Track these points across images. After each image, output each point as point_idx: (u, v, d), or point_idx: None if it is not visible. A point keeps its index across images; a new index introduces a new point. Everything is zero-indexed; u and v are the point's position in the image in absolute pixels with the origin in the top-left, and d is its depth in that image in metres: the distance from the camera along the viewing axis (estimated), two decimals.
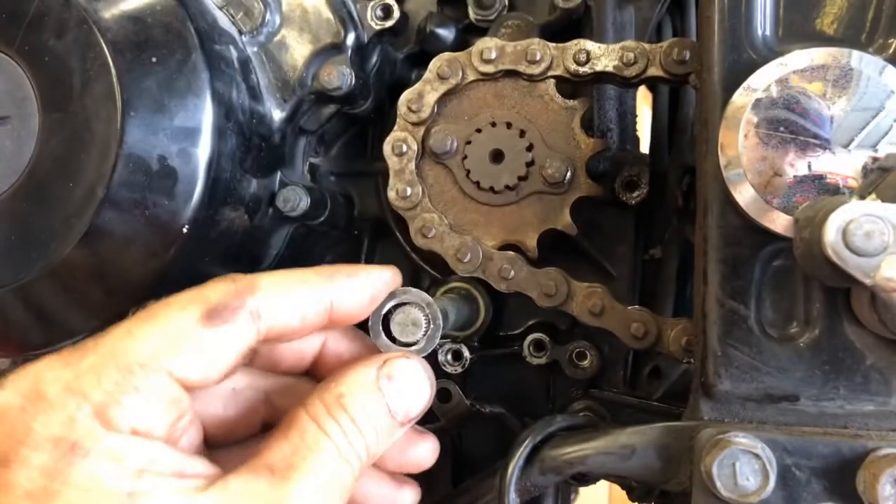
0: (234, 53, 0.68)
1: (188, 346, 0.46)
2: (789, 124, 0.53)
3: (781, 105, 0.53)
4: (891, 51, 0.54)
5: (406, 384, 0.53)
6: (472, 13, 0.81)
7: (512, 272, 0.69)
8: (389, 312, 0.57)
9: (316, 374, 0.59)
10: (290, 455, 0.47)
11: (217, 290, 0.48)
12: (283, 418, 0.50)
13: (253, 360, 0.57)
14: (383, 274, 0.56)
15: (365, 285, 0.54)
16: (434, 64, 0.70)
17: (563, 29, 0.79)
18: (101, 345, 0.46)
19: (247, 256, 0.72)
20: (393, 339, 0.56)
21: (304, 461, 0.47)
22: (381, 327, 0.55)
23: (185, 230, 0.61)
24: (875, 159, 0.52)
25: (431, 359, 0.79)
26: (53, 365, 0.45)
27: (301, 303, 0.51)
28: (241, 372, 0.56)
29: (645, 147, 0.84)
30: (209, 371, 0.47)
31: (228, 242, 0.67)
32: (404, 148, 0.70)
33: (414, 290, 0.57)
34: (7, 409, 0.44)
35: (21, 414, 0.43)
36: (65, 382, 0.44)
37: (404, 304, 0.57)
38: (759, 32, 0.56)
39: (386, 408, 0.52)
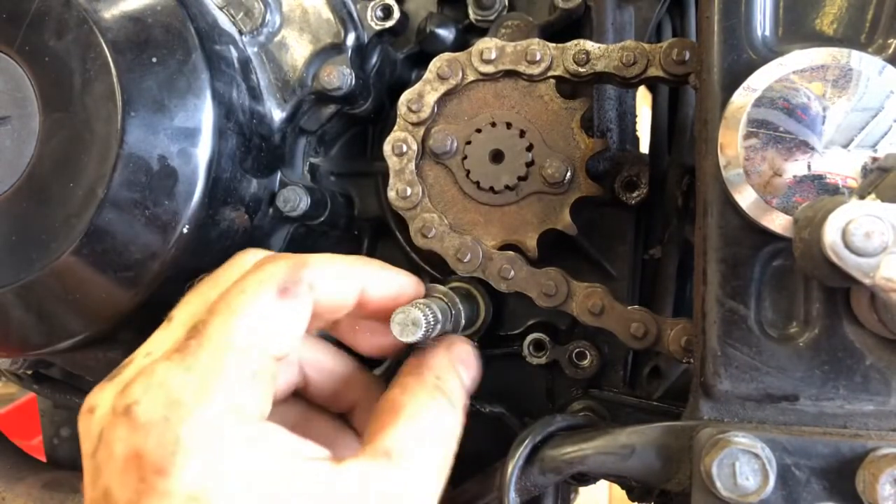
0: (234, 53, 0.68)
1: (276, 323, 0.50)
2: (789, 124, 0.53)
3: (781, 105, 0.53)
4: (890, 51, 0.54)
5: (470, 361, 0.61)
6: (472, 13, 0.81)
7: (512, 272, 0.69)
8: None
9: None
10: (403, 439, 0.51)
11: (279, 266, 0.52)
12: (383, 404, 0.54)
13: None
14: (412, 278, 0.61)
15: (394, 281, 0.59)
16: (434, 64, 0.70)
17: (563, 29, 0.79)
18: (207, 341, 0.48)
19: None
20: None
21: (419, 446, 0.51)
22: (399, 328, 0.57)
23: (185, 230, 0.61)
24: (875, 159, 0.52)
25: None
26: (174, 370, 0.47)
27: (342, 280, 0.55)
28: None
29: (645, 147, 0.84)
30: (291, 344, 0.51)
31: (228, 242, 0.67)
32: (404, 148, 0.70)
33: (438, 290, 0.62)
34: (152, 422, 0.46)
35: (166, 424, 0.45)
36: (194, 386, 0.46)
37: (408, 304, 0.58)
38: (759, 32, 0.56)
39: (461, 384, 0.58)
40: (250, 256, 0.59)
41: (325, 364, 0.62)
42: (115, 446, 0.46)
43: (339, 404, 0.64)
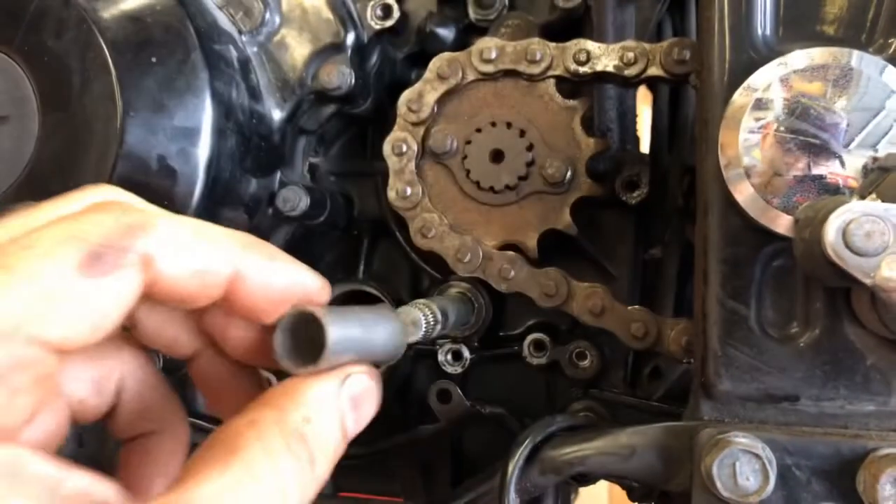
0: (233, 53, 0.68)
1: (65, 305, 0.34)
2: (790, 124, 0.53)
3: (782, 105, 0.53)
4: (891, 51, 0.54)
5: (365, 405, 0.42)
6: (472, 13, 0.81)
7: (512, 272, 0.69)
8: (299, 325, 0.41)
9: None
10: (224, 496, 0.34)
11: (101, 224, 0.36)
12: (220, 435, 0.37)
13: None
14: (313, 275, 0.43)
15: (284, 273, 0.42)
16: (434, 64, 0.70)
17: (564, 29, 0.79)
18: None
19: None
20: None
21: None
22: (286, 340, 0.41)
23: None
24: (875, 159, 0.52)
25: (431, 359, 0.79)
26: None
27: (204, 257, 0.38)
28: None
29: (645, 147, 0.84)
30: (88, 335, 0.35)
31: None
32: (404, 148, 0.70)
33: (317, 308, 0.41)
34: None
35: None
36: None
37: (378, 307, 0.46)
38: (760, 32, 0.55)
39: (342, 431, 0.40)
40: (100, 194, 0.41)
41: (141, 383, 0.44)
42: None
43: (130, 431, 0.44)
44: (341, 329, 0.39)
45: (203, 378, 0.45)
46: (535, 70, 0.68)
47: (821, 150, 0.52)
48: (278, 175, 0.73)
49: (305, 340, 0.40)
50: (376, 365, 0.44)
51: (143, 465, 0.44)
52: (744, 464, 0.50)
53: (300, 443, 0.37)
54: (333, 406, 0.40)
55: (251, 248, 0.40)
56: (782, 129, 0.53)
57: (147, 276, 0.36)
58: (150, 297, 0.38)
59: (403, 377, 0.82)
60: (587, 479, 0.67)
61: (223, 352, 0.44)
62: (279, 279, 0.41)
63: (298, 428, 0.37)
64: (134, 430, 0.44)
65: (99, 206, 0.38)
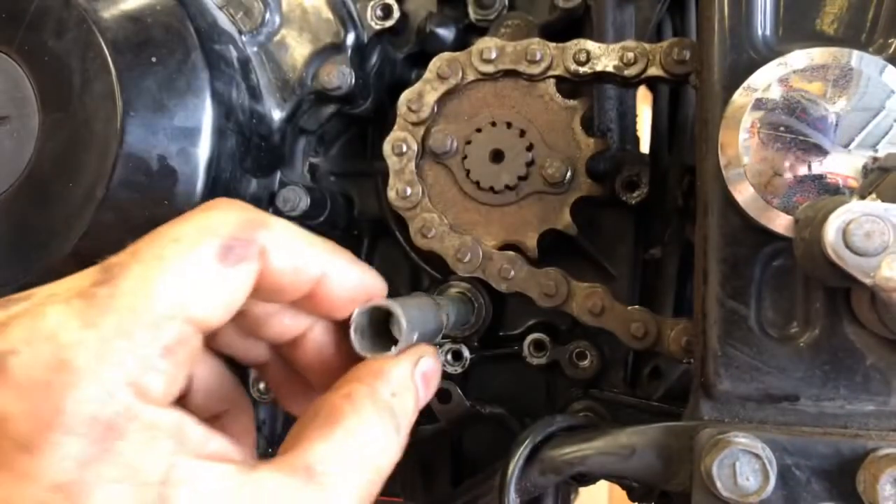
0: (234, 53, 0.68)
1: (208, 289, 0.39)
2: (790, 124, 0.53)
3: (781, 105, 0.53)
4: (891, 51, 0.54)
5: (432, 381, 0.50)
6: (472, 13, 0.81)
7: (512, 272, 0.69)
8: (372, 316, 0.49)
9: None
10: (333, 458, 0.41)
11: (230, 216, 0.41)
12: (319, 407, 0.44)
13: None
14: (380, 280, 0.50)
15: (362, 276, 0.48)
16: (434, 64, 0.70)
17: (563, 29, 0.79)
18: (118, 297, 0.37)
19: None
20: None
21: (350, 470, 0.41)
22: (361, 331, 0.48)
23: None
24: (875, 159, 0.52)
25: None
26: (70, 322, 0.36)
27: (304, 256, 0.44)
28: None
29: (645, 147, 0.84)
30: (222, 319, 0.41)
31: None
32: (404, 148, 0.70)
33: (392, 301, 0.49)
34: (31, 383, 0.35)
35: (47, 389, 0.35)
36: (92, 349, 0.36)
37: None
38: (759, 32, 0.56)
39: (416, 404, 0.48)
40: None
41: (209, 368, 0.49)
42: None
43: (205, 412, 0.49)
44: (408, 317, 0.47)
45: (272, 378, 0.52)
46: (535, 70, 0.68)
47: (820, 150, 0.52)
48: (278, 175, 0.74)
49: (372, 330, 0.47)
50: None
51: None
52: (744, 464, 0.50)
53: (390, 414, 0.44)
54: (411, 383, 0.47)
55: (335, 252, 0.46)
56: (782, 128, 0.53)
57: (261, 266, 0.42)
58: (261, 287, 0.43)
59: None
60: (587, 479, 0.67)
61: (288, 356, 0.50)
62: (355, 280, 0.47)
63: (388, 402, 0.44)
64: (208, 410, 0.48)
65: (218, 203, 0.43)
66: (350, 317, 0.47)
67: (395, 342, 0.47)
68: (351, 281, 0.46)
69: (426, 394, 0.49)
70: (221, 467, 0.38)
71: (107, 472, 0.35)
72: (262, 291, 0.43)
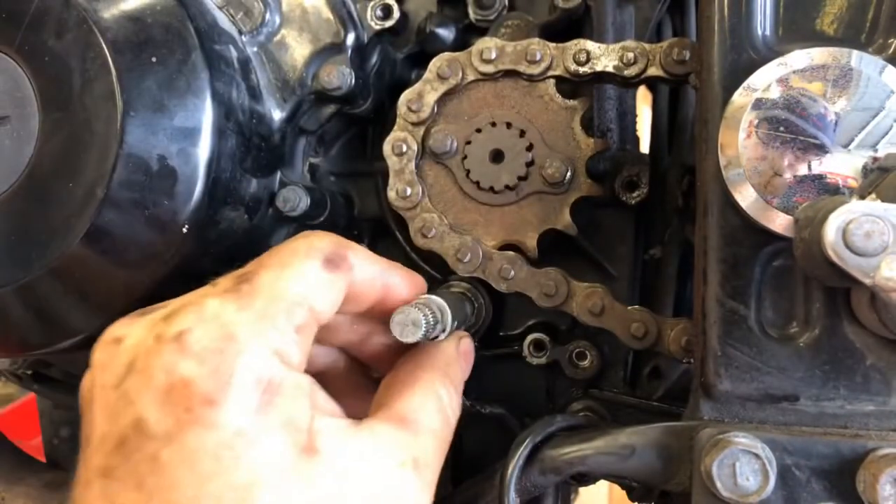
0: (234, 53, 0.68)
1: (321, 289, 0.51)
2: (789, 124, 0.53)
3: (781, 105, 0.53)
4: (891, 51, 0.54)
5: (469, 357, 0.63)
6: (472, 13, 0.81)
7: (512, 272, 0.69)
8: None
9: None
10: (419, 409, 0.53)
11: (325, 241, 0.53)
12: (395, 373, 0.58)
13: None
14: (422, 280, 0.62)
15: (418, 286, 0.61)
16: (434, 64, 0.70)
17: (563, 29, 0.79)
18: (259, 287, 0.49)
19: (247, 256, 0.72)
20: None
21: (431, 420, 0.54)
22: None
23: (184, 230, 0.61)
24: (875, 159, 0.52)
25: None
26: (228, 307, 0.47)
27: (376, 271, 0.57)
28: None
29: (645, 147, 0.84)
30: (331, 310, 0.52)
31: (228, 242, 0.67)
32: (404, 148, 0.70)
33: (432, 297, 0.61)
34: (208, 351, 0.45)
35: (221, 355, 0.45)
36: (249, 325, 0.46)
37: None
38: (759, 32, 0.56)
39: (462, 378, 0.61)
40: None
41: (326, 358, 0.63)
42: (156, 374, 0.44)
43: None
44: (429, 313, 0.57)
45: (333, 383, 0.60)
46: (535, 70, 0.68)
47: (820, 149, 0.52)
48: (278, 175, 0.73)
49: (413, 325, 0.57)
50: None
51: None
52: (744, 464, 0.50)
53: (449, 379, 0.58)
54: (458, 357, 0.61)
55: (393, 266, 0.59)
56: (782, 128, 0.53)
57: (350, 278, 0.54)
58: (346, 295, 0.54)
59: None
60: (587, 478, 0.67)
61: (357, 354, 0.62)
62: (409, 287, 0.59)
63: (445, 370, 0.58)
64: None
65: (315, 231, 0.55)
66: None
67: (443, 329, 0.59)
68: (406, 288, 0.59)
69: (466, 367, 0.62)
70: (341, 420, 0.50)
71: (272, 419, 0.45)
72: (347, 300, 0.54)
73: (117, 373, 0.46)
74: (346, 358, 0.63)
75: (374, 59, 0.79)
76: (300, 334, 0.49)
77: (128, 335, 0.48)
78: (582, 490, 1.09)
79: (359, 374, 0.64)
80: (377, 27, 0.77)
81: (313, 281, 0.51)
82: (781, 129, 0.53)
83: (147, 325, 0.48)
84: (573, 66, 0.67)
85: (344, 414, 0.51)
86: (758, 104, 0.53)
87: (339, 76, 0.72)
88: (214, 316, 0.46)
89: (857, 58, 0.53)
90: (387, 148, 0.70)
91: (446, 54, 0.70)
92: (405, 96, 0.70)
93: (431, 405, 0.54)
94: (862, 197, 0.47)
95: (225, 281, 0.50)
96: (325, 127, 0.78)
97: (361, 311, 0.59)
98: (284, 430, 0.45)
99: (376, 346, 0.62)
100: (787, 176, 0.53)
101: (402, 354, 0.61)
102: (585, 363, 0.76)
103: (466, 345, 0.63)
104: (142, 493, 0.43)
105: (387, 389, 0.56)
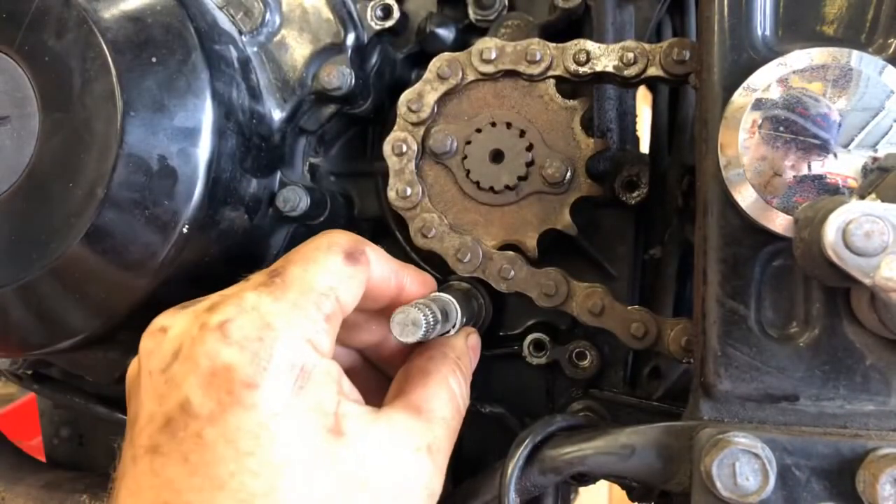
0: (234, 53, 0.68)
1: (345, 281, 0.55)
2: (789, 124, 0.53)
3: (781, 105, 0.53)
4: (891, 51, 0.54)
5: (477, 351, 0.67)
6: (472, 13, 0.81)
7: (512, 272, 0.69)
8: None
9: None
10: (432, 399, 0.57)
11: (344, 237, 0.57)
12: (408, 366, 0.61)
13: None
14: (432, 280, 0.66)
15: (429, 285, 0.64)
16: (434, 64, 0.70)
17: (563, 29, 0.79)
18: (291, 281, 0.53)
19: (247, 256, 0.72)
20: None
21: (444, 409, 0.57)
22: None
23: (184, 230, 0.61)
24: (875, 159, 0.52)
25: None
26: (265, 299, 0.51)
27: (391, 268, 0.60)
28: None
29: (645, 147, 0.84)
30: (353, 302, 0.56)
31: (228, 242, 0.67)
32: (404, 148, 0.70)
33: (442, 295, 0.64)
34: (248, 339, 0.49)
35: (260, 343, 0.49)
36: (284, 315, 0.50)
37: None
38: (759, 32, 0.56)
39: (471, 366, 0.65)
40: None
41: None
42: (201, 360, 0.48)
43: None
44: (429, 313, 0.59)
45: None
46: (535, 70, 0.68)
47: (820, 149, 0.53)
48: (278, 175, 0.73)
49: (412, 325, 0.58)
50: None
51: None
52: (743, 464, 0.50)
53: (459, 370, 0.61)
54: (467, 350, 0.65)
55: (406, 266, 0.62)
56: (782, 128, 0.53)
57: (368, 273, 0.57)
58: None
59: None
60: (587, 478, 0.67)
61: (372, 355, 0.67)
62: (421, 287, 0.63)
63: (456, 361, 0.62)
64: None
65: (334, 230, 0.59)
66: None
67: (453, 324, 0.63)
68: (418, 288, 0.63)
69: (474, 360, 0.66)
70: (363, 407, 0.53)
71: (305, 402, 0.49)
72: (364, 296, 0.57)
73: (164, 359, 0.50)
74: (362, 360, 0.67)
75: (374, 59, 0.79)
76: (329, 323, 0.53)
77: (173, 325, 0.52)
78: (582, 490, 1.09)
79: (374, 377, 0.67)
80: (377, 27, 0.77)
81: (337, 274, 0.54)
82: (783, 129, 0.53)
83: (191, 315, 0.51)
84: (573, 67, 0.67)
85: (365, 402, 0.55)
86: (758, 104, 0.53)
87: (339, 76, 0.72)
88: (253, 307, 0.50)
89: (856, 58, 0.53)
90: (387, 148, 0.70)
91: (446, 54, 0.70)
92: (405, 96, 0.70)
93: (444, 395, 0.58)
94: (862, 197, 0.47)
95: (257, 276, 0.54)
96: (325, 127, 0.78)
97: (378, 309, 0.62)
98: (315, 413, 0.49)
99: (391, 348, 0.66)
100: (788, 176, 0.53)
101: (415, 348, 0.64)
102: (585, 363, 0.76)
103: (474, 339, 0.67)
104: (187, 467, 0.47)
105: (402, 380, 0.60)
